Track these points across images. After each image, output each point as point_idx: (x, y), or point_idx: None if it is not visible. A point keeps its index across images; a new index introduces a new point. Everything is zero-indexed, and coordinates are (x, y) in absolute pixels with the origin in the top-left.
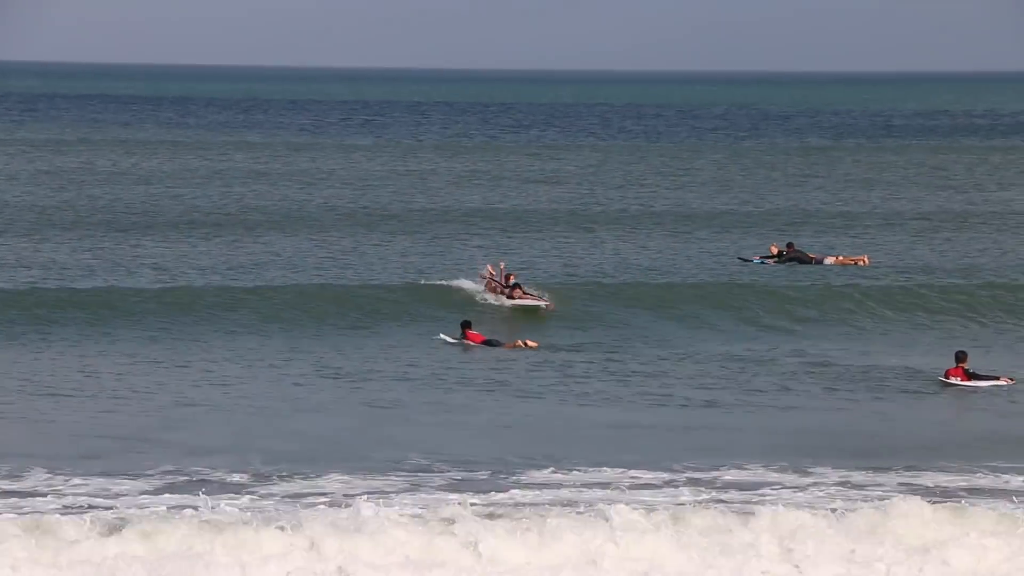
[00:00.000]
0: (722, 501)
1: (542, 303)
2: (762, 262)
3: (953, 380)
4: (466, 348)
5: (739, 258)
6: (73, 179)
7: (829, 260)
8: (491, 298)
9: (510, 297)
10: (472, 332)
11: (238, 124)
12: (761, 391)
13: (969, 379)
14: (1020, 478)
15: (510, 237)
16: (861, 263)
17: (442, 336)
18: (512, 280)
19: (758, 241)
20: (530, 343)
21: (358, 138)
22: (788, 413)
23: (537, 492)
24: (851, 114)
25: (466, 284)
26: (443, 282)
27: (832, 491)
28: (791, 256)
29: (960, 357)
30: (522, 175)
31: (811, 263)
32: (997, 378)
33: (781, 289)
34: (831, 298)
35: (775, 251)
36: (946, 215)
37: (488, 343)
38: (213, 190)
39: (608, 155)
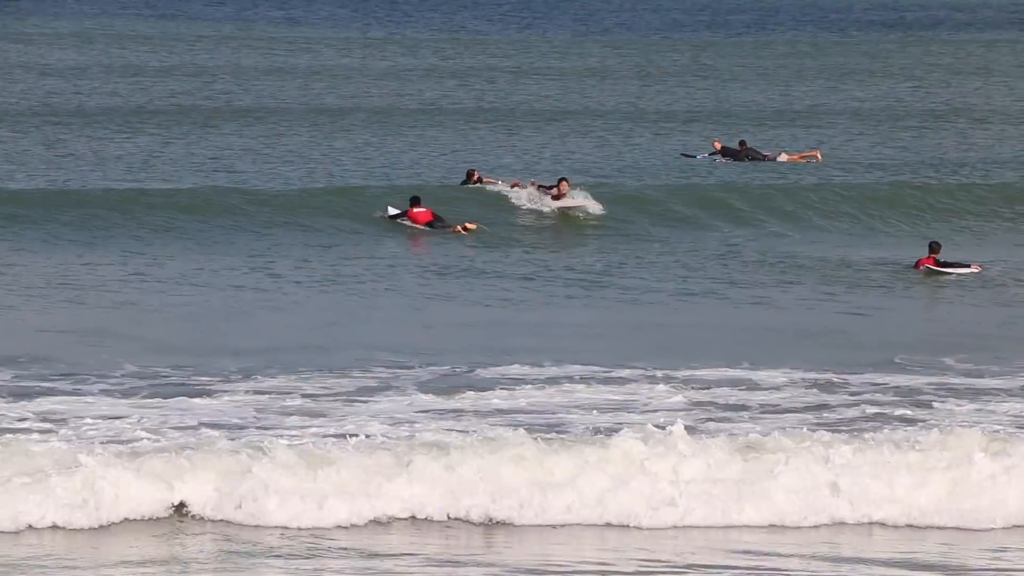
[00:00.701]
0: (703, 402)
1: (591, 205)
2: (711, 159)
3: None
4: (411, 234)
5: (683, 154)
6: (33, 70)
7: (783, 157)
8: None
9: (556, 198)
10: (417, 210)
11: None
12: (736, 286)
13: (940, 267)
14: (988, 379)
15: (462, 134)
16: (815, 159)
17: (389, 209)
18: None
19: (702, 140)
20: (469, 226)
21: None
22: (761, 309)
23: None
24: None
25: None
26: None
27: (806, 391)
28: (744, 154)
29: (933, 247)
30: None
31: (764, 161)
32: (968, 265)
33: (745, 187)
34: (797, 194)
35: (718, 147)
36: (913, 110)
37: (433, 224)
38: (186, 83)
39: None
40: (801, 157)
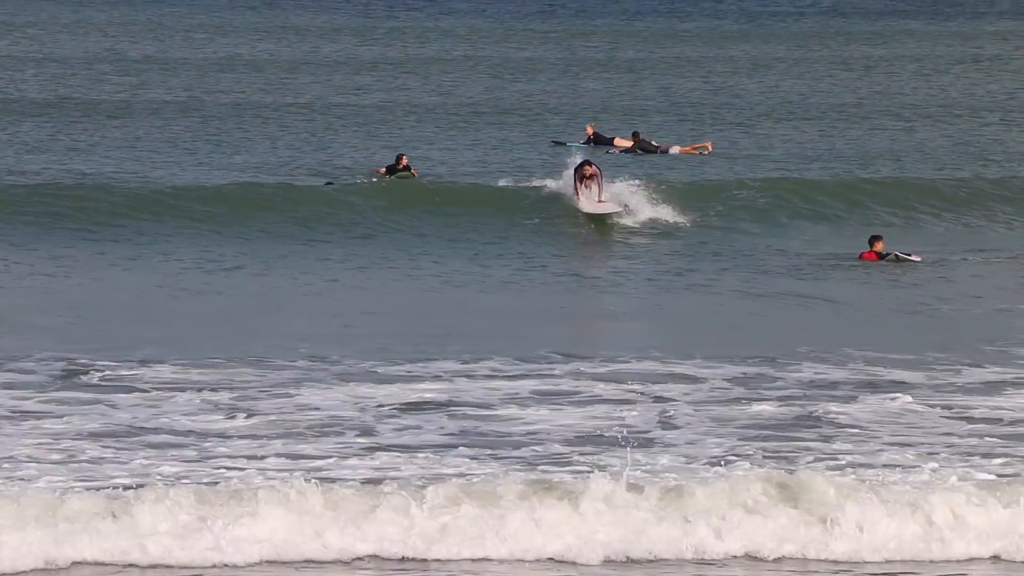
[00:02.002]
0: (630, 395)
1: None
2: (581, 144)
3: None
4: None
5: (553, 141)
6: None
7: (675, 149)
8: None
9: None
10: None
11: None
12: (665, 281)
13: (881, 258)
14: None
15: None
16: (705, 151)
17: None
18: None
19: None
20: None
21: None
22: (687, 302)
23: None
24: None
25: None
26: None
27: (729, 387)
28: (637, 145)
29: (873, 241)
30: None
31: (657, 152)
32: (909, 255)
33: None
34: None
35: (590, 131)
36: (827, 106)
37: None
38: (175, 78)
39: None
40: (693, 148)
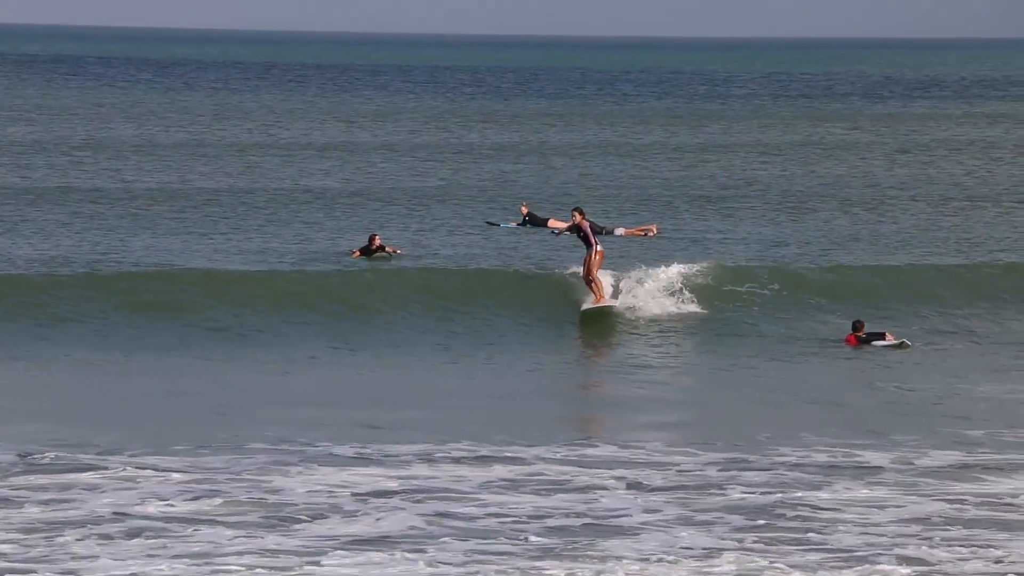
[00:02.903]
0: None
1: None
2: (515, 226)
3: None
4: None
5: (487, 222)
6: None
7: (620, 231)
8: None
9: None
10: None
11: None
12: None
13: (861, 344)
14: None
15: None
16: (650, 233)
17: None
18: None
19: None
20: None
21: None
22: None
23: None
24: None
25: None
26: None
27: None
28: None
29: (856, 326)
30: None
31: (603, 233)
32: (883, 335)
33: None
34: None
35: (525, 211)
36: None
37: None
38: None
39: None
40: (639, 231)
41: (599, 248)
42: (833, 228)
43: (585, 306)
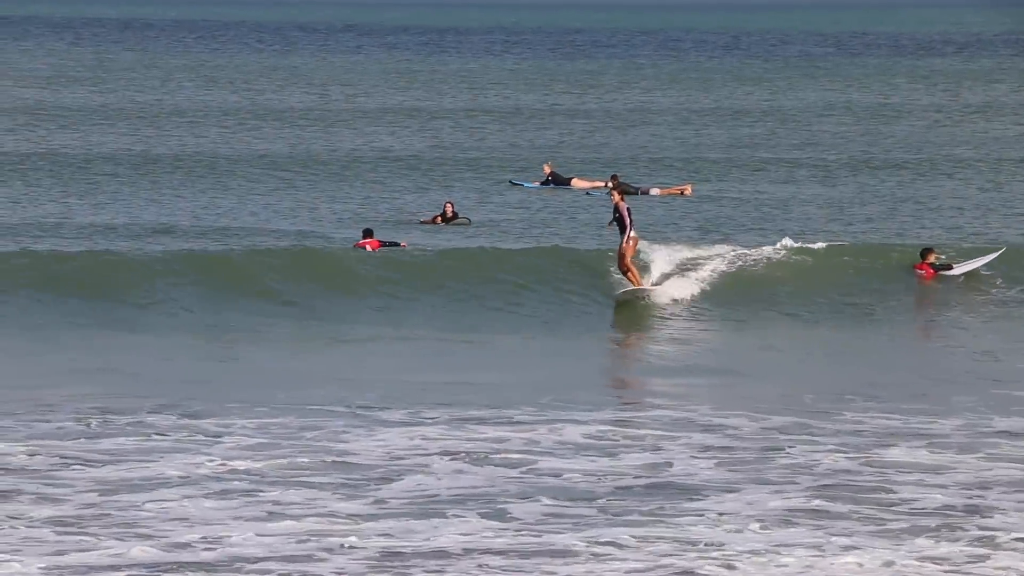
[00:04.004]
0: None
1: None
2: (538, 185)
3: (921, 273)
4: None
5: (511, 182)
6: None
7: (655, 191)
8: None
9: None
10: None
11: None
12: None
13: (935, 272)
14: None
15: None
16: (685, 193)
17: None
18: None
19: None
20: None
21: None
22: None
23: None
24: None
25: None
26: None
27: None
28: (615, 187)
29: (925, 254)
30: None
31: (637, 194)
32: (949, 266)
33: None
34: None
35: (548, 171)
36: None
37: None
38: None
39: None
40: (675, 191)
41: (632, 234)
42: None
43: (620, 292)
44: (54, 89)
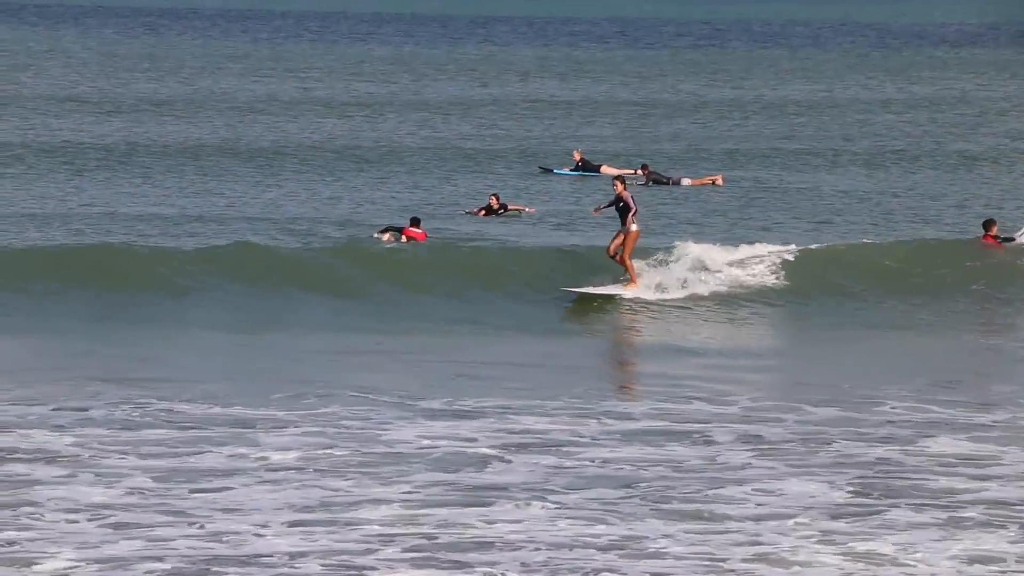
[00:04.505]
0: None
1: None
2: (568, 171)
3: (987, 244)
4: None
5: (540, 168)
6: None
7: (686, 181)
8: None
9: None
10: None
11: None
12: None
13: (1000, 244)
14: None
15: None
16: (716, 183)
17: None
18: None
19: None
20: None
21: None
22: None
23: None
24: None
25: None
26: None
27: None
28: (649, 178)
29: (987, 225)
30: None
31: (668, 184)
32: (1012, 239)
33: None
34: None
35: (578, 157)
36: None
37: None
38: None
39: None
40: (707, 180)
41: (635, 227)
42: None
43: (602, 289)
44: (101, 78)
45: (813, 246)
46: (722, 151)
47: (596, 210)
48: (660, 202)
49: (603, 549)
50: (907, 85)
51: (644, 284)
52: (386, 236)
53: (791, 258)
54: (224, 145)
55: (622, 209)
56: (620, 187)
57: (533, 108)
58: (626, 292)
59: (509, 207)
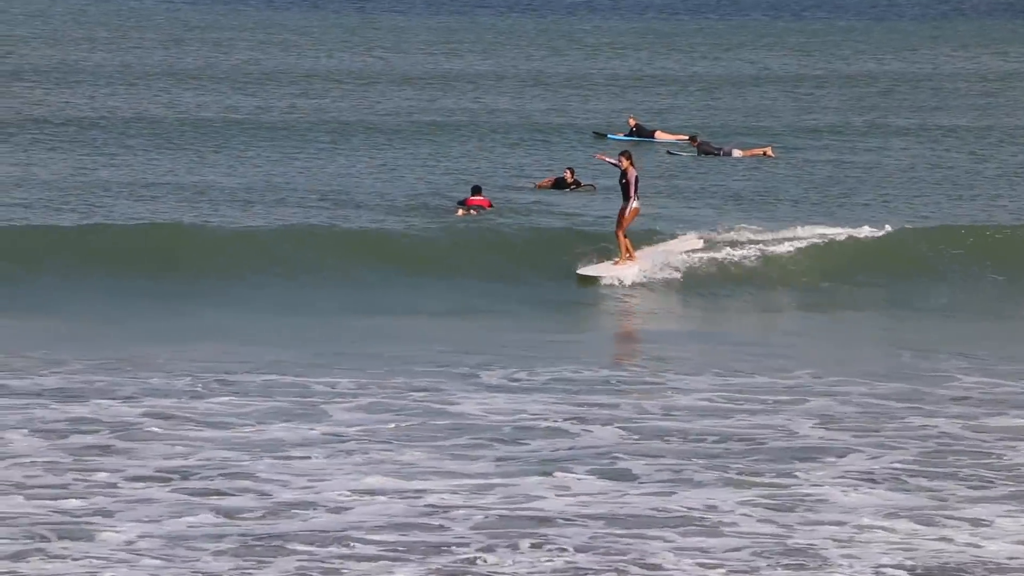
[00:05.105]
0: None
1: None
2: (622, 137)
3: None
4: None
5: (594, 133)
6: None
7: (737, 152)
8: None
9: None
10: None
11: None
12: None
13: None
14: None
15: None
16: (767, 153)
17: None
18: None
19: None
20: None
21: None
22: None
23: None
24: None
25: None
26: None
27: None
28: (699, 149)
29: None
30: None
31: (719, 155)
32: None
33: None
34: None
35: (633, 123)
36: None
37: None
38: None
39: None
40: (758, 152)
41: (636, 204)
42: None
43: (586, 269)
44: (175, 50)
45: (865, 229)
46: (781, 125)
47: (599, 155)
48: (710, 174)
49: (675, 521)
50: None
51: (651, 261)
52: (459, 212)
53: (847, 239)
54: (289, 120)
55: (624, 186)
56: (626, 163)
57: (596, 82)
58: (622, 270)
59: (582, 183)
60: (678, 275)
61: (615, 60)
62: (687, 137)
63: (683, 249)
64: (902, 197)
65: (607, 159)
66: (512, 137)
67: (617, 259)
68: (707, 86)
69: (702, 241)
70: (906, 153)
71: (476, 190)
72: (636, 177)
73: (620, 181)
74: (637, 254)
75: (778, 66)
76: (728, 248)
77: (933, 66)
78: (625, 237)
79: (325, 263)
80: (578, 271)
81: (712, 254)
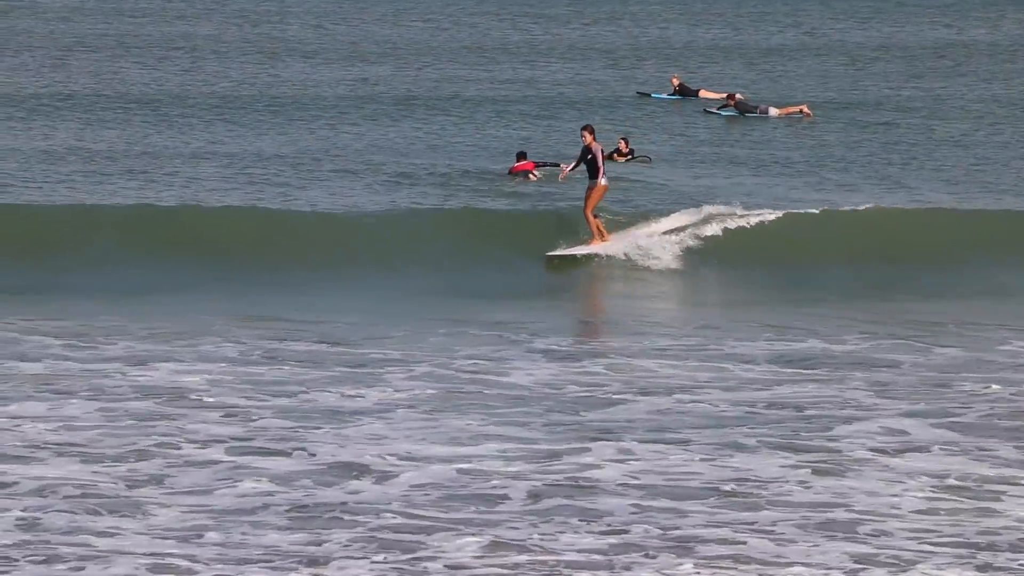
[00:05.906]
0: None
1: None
2: (666, 96)
3: None
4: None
5: (638, 92)
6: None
7: (773, 111)
8: None
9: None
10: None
11: None
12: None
13: None
14: None
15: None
16: (804, 111)
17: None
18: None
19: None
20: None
21: None
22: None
23: None
24: None
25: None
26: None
27: None
28: (736, 107)
29: None
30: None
31: (756, 114)
32: None
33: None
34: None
35: (676, 83)
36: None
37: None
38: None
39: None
40: (794, 110)
41: (603, 181)
42: None
43: (560, 250)
44: (211, 23)
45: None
46: (828, 96)
47: (563, 176)
48: (748, 134)
49: (727, 489)
50: None
51: (627, 240)
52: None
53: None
54: (347, 92)
55: (590, 162)
56: (589, 138)
57: (642, 52)
58: (594, 248)
59: (636, 154)
60: (703, 247)
61: (659, 29)
62: (725, 95)
63: (695, 223)
64: (953, 170)
65: (569, 169)
66: (552, 109)
67: (589, 239)
68: (750, 54)
69: (734, 212)
70: (957, 128)
71: (521, 155)
72: (602, 150)
73: (585, 157)
74: (643, 231)
75: (834, 33)
76: (756, 219)
77: (993, 36)
78: (596, 217)
79: (387, 241)
80: (548, 253)
81: (738, 223)
